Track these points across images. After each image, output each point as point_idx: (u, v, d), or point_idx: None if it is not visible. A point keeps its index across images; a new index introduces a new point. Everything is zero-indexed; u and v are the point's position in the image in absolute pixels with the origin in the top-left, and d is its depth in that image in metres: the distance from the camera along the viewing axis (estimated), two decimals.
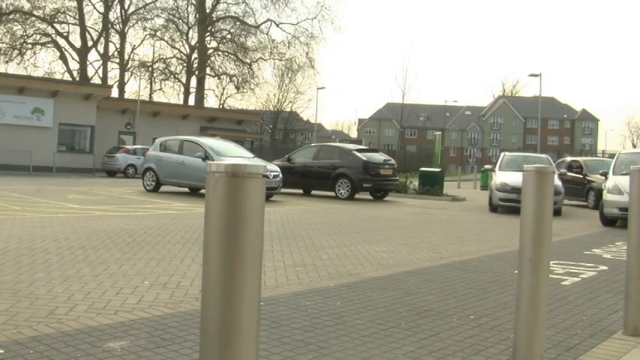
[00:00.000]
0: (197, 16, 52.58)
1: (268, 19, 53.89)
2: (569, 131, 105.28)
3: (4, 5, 46.27)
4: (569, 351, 4.04)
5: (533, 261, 3.32)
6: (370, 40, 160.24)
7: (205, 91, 54.27)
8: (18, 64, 47.98)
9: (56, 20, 48.85)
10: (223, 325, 1.95)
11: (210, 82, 56.38)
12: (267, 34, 53.72)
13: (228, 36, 54.12)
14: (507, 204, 16.11)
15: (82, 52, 49.48)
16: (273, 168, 17.57)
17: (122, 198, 16.11)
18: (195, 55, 53.53)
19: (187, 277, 5.96)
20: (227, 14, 54.25)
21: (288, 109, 69.30)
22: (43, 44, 49.74)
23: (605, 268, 7.53)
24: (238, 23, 53.42)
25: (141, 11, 52.00)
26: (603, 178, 15.14)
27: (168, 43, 53.48)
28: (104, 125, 36.07)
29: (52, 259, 6.58)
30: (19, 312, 4.44)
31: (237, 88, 55.14)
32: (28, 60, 48.90)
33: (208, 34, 53.74)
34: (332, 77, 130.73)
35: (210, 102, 57.97)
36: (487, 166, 19.53)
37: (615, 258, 8.38)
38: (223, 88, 57.56)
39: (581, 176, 19.98)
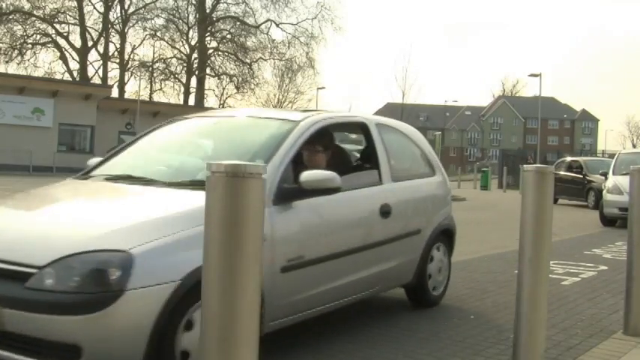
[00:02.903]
0: (197, 16, 52.50)
1: (268, 19, 53.79)
2: (569, 131, 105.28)
3: (4, 5, 46.22)
4: (569, 351, 4.04)
5: (533, 261, 3.32)
6: (370, 40, 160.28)
7: (205, 91, 54.22)
8: (18, 64, 47.91)
9: (56, 20, 48.77)
10: (223, 325, 1.95)
11: (210, 82, 56.32)
12: (267, 34, 53.66)
13: (228, 36, 54.06)
14: None
15: (82, 52, 49.42)
16: None
17: None
18: (195, 55, 53.46)
19: None
20: (227, 14, 54.19)
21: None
22: (43, 44, 49.68)
23: (605, 268, 7.52)
24: (238, 23, 53.35)
25: (141, 11, 51.92)
26: (603, 178, 15.12)
27: (168, 43, 53.42)
28: (104, 125, 36.04)
29: None
30: None
31: (237, 88, 55.07)
32: (28, 60, 48.81)
33: (208, 34, 53.68)
34: (332, 77, 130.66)
35: (210, 102, 57.74)
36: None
37: (615, 258, 8.38)
38: (223, 88, 57.48)
39: (581, 176, 19.97)
